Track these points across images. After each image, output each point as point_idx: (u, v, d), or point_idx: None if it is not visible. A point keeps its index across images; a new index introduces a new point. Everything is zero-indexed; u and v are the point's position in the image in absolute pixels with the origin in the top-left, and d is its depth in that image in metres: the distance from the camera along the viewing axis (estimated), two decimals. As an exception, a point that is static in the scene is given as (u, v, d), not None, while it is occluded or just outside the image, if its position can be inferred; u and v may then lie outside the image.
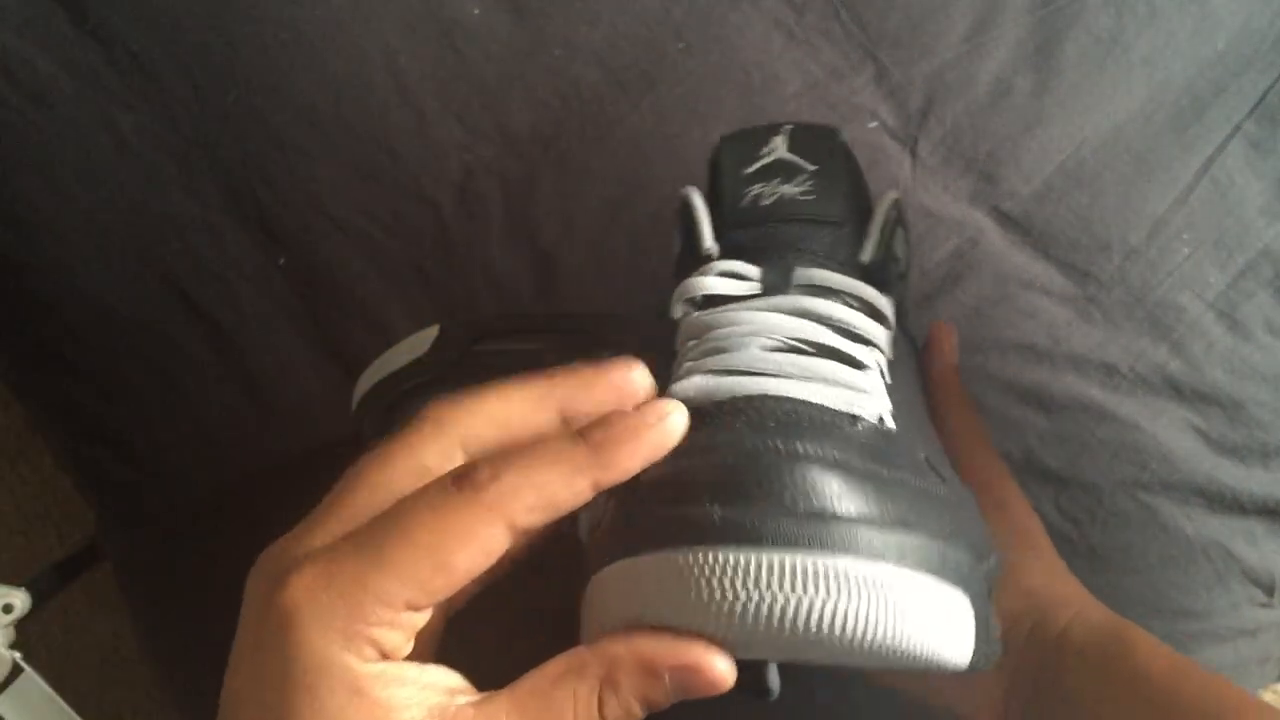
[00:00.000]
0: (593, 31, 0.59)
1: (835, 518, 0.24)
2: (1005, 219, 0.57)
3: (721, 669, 0.26)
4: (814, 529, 0.24)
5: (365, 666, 0.24)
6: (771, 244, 0.35)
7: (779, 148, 0.37)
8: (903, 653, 0.25)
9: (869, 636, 0.24)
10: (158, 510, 0.51)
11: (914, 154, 0.58)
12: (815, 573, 0.24)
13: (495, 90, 0.57)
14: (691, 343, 0.33)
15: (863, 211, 0.38)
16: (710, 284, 0.34)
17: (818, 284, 0.34)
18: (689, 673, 0.26)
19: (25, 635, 0.53)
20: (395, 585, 0.24)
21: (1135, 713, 0.33)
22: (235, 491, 0.50)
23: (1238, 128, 0.63)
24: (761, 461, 0.25)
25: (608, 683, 0.26)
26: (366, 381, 0.46)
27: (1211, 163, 0.61)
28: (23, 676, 0.50)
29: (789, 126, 0.38)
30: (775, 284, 0.34)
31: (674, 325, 0.35)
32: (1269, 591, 0.55)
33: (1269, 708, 0.33)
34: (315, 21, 0.56)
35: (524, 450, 0.26)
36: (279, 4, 0.56)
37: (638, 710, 0.26)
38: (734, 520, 0.24)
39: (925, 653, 0.25)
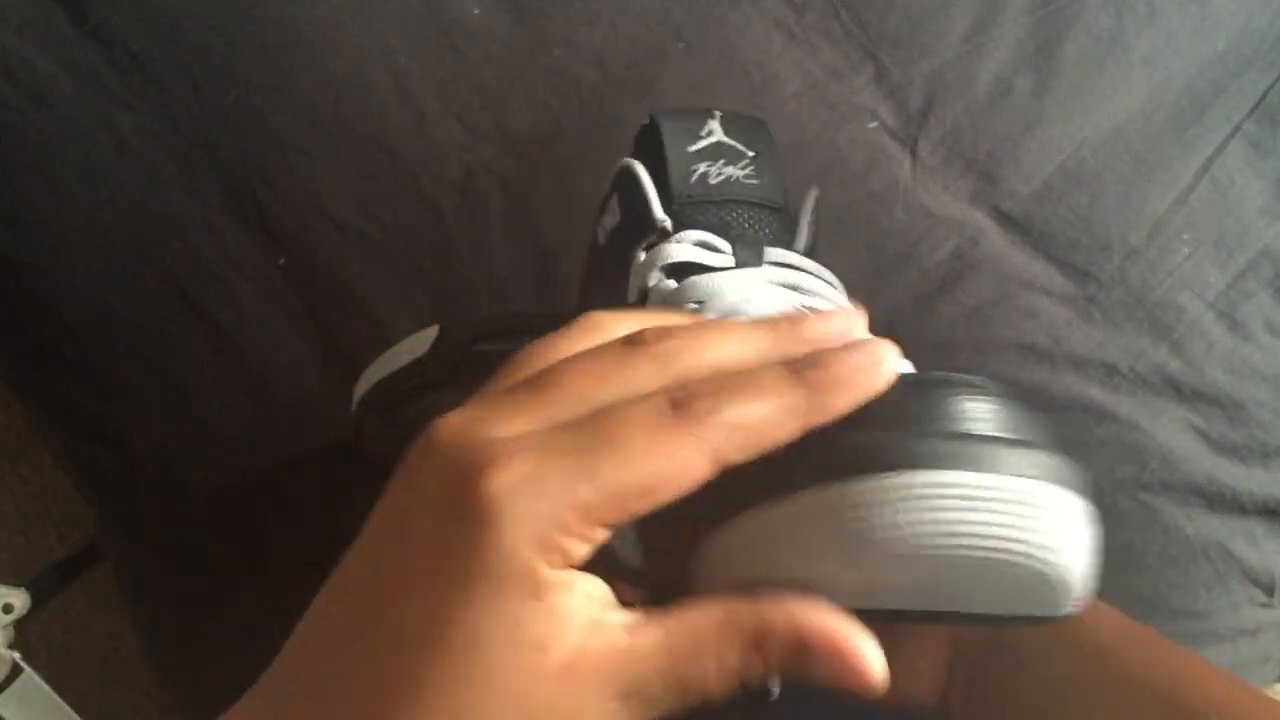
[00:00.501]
0: (593, 31, 0.59)
1: (986, 438, 0.24)
2: (1005, 219, 0.57)
3: (877, 670, 0.24)
4: (969, 449, 0.24)
5: (550, 573, 0.23)
6: (732, 221, 0.35)
7: (717, 131, 0.38)
8: (1053, 574, 0.24)
9: (1030, 553, 0.23)
10: (158, 510, 0.51)
11: (914, 154, 0.58)
12: (980, 492, 0.23)
13: (495, 90, 0.57)
14: (691, 306, 0.33)
15: (787, 201, 0.38)
16: (687, 252, 0.34)
17: (789, 262, 0.34)
18: (842, 660, 0.24)
19: (25, 635, 0.53)
20: (601, 500, 0.23)
21: (1086, 677, 0.32)
22: (235, 491, 0.50)
23: (1238, 128, 0.63)
24: (895, 390, 0.25)
25: (756, 645, 0.24)
26: (366, 381, 0.46)
27: (1211, 163, 0.61)
28: (23, 676, 0.50)
29: (719, 112, 0.39)
30: (747, 259, 0.34)
31: (641, 294, 0.35)
32: (1269, 591, 0.55)
33: (1219, 671, 0.32)
34: (315, 21, 0.56)
35: (741, 384, 0.24)
36: (279, 4, 0.56)
37: (770, 681, 0.25)
38: (890, 445, 0.24)
39: (1071, 577, 0.24)
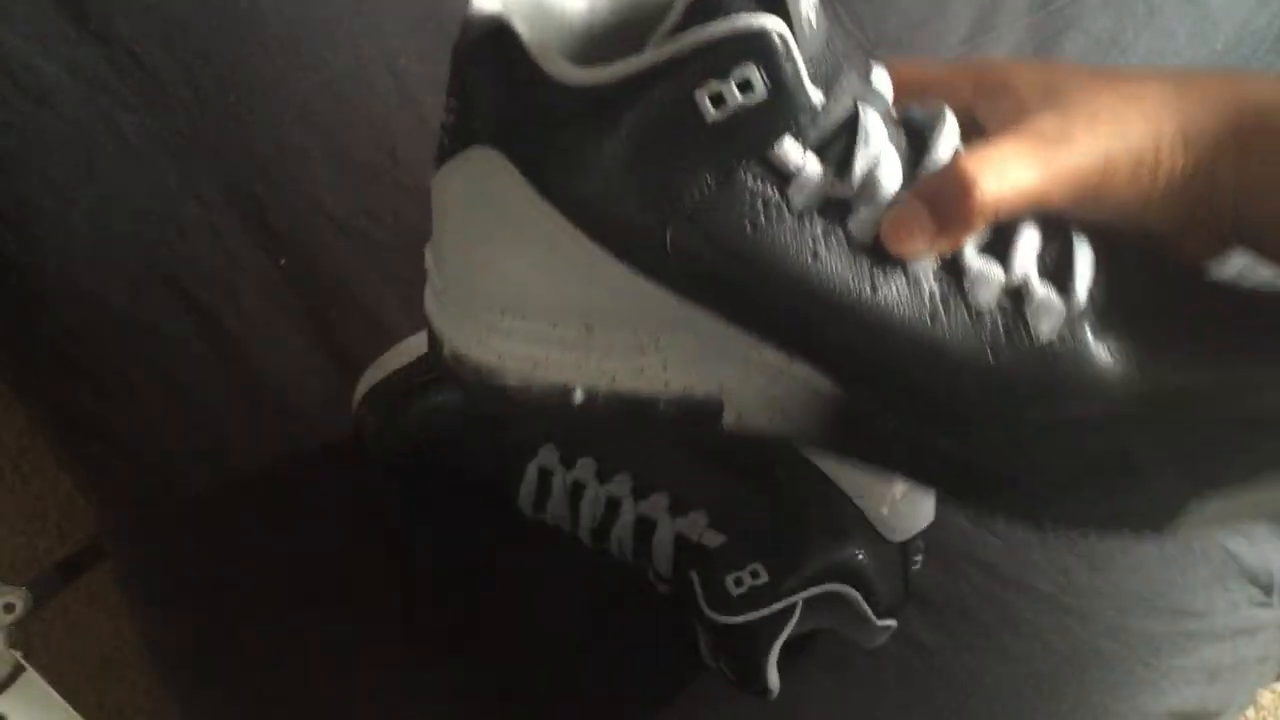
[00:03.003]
0: (592, 32, 0.59)
1: None
2: (1004, 219, 0.57)
3: None
4: None
5: None
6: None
7: None
8: None
9: None
10: (158, 510, 0.51)
11: (913, 154, 0.58)
12: None
13: (495, 91, 0.57)
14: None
15: None
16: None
17: None
18: None
19: (26, 635, 0.53)
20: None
21: None
22: (235, 491, 0.50)
23: (1236, 128, 0.63)
24: None
25: None
26: (366, 381, 0.46)
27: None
28: (24, 676, 0.50)
29: None
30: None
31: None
32: (1267, 591, 0.55)
33: None
34: (315, 21, 0.56)
35: None
36: (279, 4, 0.56)
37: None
38: None
39: None
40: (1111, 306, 0.28)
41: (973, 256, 0.28)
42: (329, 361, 0.51)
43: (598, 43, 0.28)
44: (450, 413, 0.44)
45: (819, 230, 0.27)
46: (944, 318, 0.27)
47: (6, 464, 0.87)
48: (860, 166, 0.27)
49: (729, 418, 0.30)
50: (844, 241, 0.27)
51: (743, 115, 0.26)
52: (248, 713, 0.48)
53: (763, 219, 0.27)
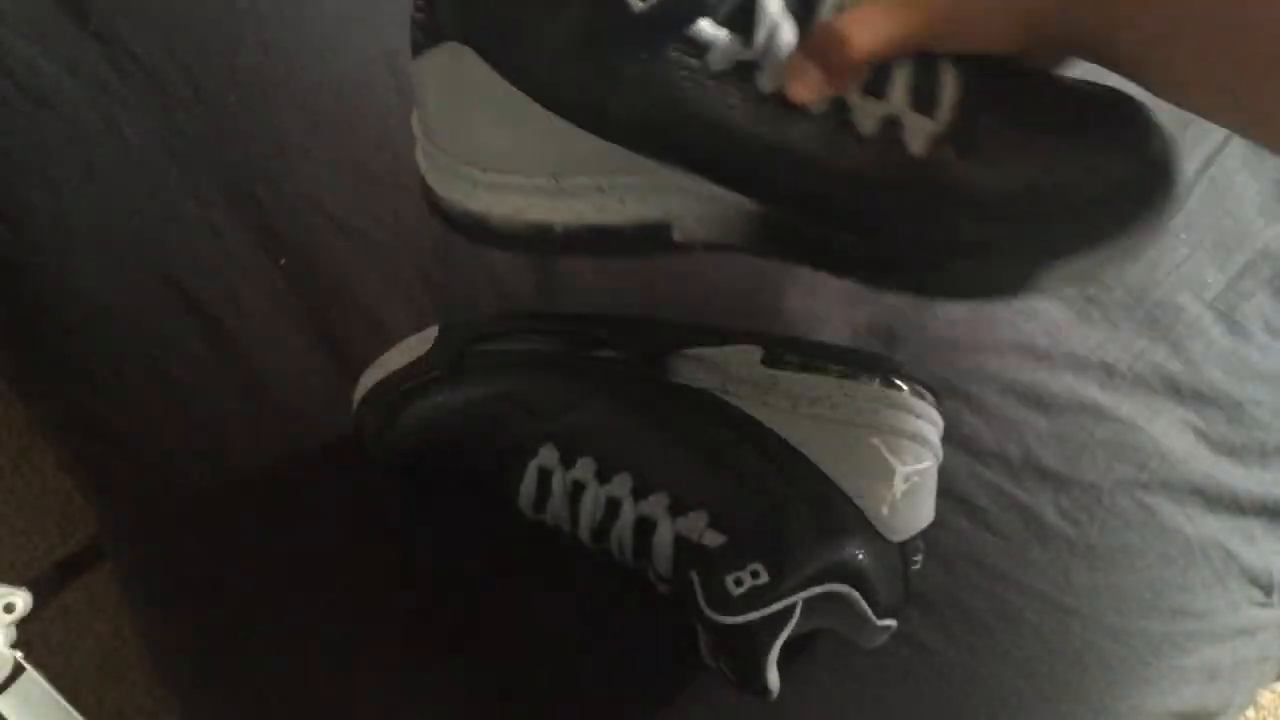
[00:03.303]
0: (592, 32, 0.59)
1: None
2: (1004, 219, 0.57)
3: None
4: None
5: None
6: None
7: None
8: None
9: None
10: (158, 510, 0.51)
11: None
12: None
13: (495, 91, 0.57)
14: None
15: None
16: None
17: None
18: None
19: (27, 635, 0.53)
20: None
21: None
22: (236, 491, 0.50)
23: (1236, 128, 0.63)
24: None
25: None
26: (366, 381, 0.46)
27: (1210, 163, 0.62)
28: (24, 676, 0.50)
29: None
30: None
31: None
32: (1267, 591, 0.55)
33: None
34: (315, 21, 0.56)
35: None
36: (279, 4, 0.56)
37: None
38: None
39: None
40: (974, 121, 0.34)
41: (855, 96, 0.34)
42: (329, 361, 0.51)
43: None
44: (450, 413, 0.44)
45: (733, 87, 0.34)
46: (837, 146, 0.34)
47: (6, 464, 0.87)
48: (761, 35, 0.33)
49: (677, 236, 0.38)
50: (753, 94, 0.34)
51: (664, 4, 0.32)
52: (248, 713, 0.48)
53: (687, 83, 0.33)
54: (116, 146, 0.53)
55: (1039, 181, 0.34)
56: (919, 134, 0.34)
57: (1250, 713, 0.96)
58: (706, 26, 0.33)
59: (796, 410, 0.44)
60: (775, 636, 0.41)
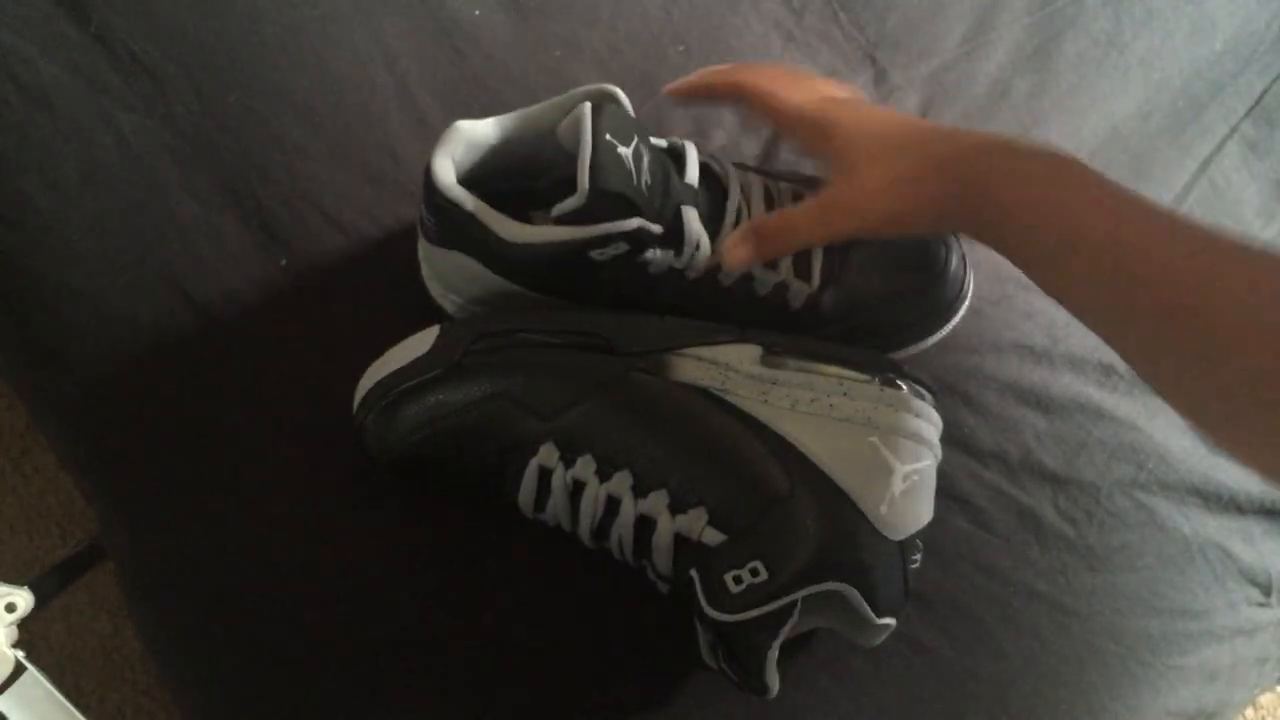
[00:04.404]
0: (592, 33, 0.59)
1: None
2: (1003, 219, 0.57)
3: None
4: None
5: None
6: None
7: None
8: None
9: None
10: (158, 511, 0.51)
11: (912, 155, 0.58)
12: None
13: (495, 90, 0.57)
14: None
15: None
16: None
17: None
18: None
19: (28, 634, 0.53)
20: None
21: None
22: (236, 492, 0.50)
23: (1234, 129, 0.63)
24: None
25: None
26: (367, 381, 0.46)
27: (1208, 164, 0.62)
28: (25, 675, 0.50)
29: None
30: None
31: None
32: (1266, 591, 0.55)
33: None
34: (315, 22, 0.56)
35: None
36: (279, 5, 0.56)
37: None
38: None
39: None
40: (835, 279, 0.49)
41: (758, 268, 0.48)
42: (329, 361, 0.51)
43: (499, 159, 0.48)
44: (450, 412, 0.45)
45: (669, 280, 0.48)
46: (739, 299, 0.49)
47: (7, 464, 0.87)
48: (688, 249, 0.46)
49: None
50: (680, 279, 0.48)
51: (615, 255, 0.46)
52: (248, 713, 0.48)
53: (636, 281, 0.47)
54: (117, 146, 0.53)
55: (867, 302, 0.50)
56: (798, 294, 0.49)
57: (1250, 713, 0.96)
58: (650, 253, 0.46)
59: (796, 409, 0.44)
60: (775, 635, 0.41)
